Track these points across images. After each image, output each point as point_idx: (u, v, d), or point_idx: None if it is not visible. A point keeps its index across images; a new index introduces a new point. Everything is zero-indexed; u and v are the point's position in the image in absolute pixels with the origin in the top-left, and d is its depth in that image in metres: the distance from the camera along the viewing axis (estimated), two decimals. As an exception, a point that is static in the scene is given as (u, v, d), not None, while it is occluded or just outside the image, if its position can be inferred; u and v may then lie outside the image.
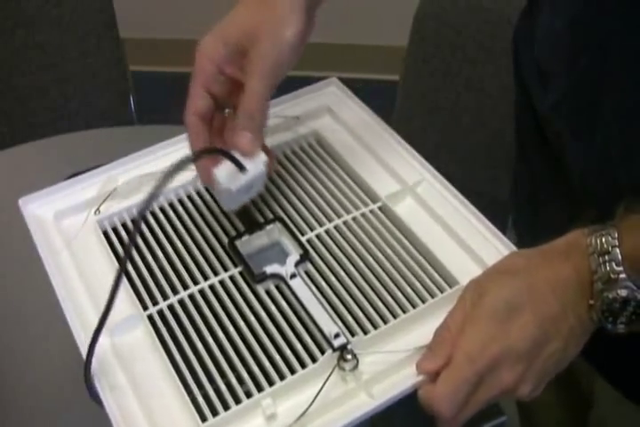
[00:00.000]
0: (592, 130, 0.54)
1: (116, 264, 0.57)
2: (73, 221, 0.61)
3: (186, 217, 0.60)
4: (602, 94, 0.52)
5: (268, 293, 0.55)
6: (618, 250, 0.46)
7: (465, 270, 0.54)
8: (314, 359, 0.50)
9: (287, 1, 0.53)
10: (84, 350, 0.50)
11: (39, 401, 0.75)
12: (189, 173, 0.62)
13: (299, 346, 0.51)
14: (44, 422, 0.74)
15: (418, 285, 0.54)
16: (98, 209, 0.61)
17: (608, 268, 0.46)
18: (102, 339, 0.52)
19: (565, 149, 0.58)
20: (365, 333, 0.52)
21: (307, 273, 0.56)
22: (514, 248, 0.55)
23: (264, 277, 0.55)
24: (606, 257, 0.46)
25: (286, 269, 0.55)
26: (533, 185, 0.68)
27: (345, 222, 0.59)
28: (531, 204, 0.71)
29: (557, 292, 0.47)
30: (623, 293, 0.45)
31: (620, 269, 0.45)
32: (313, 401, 0.48)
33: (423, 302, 0.53)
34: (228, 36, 0.54)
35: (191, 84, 0.54)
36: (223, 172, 0.53)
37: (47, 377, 0.77)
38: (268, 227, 0.58)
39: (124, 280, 0.55)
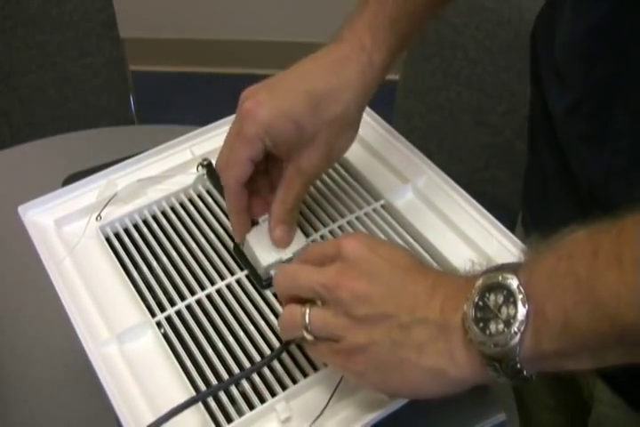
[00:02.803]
0: (603, 137, 0.54)
1: (121, 270, 0.56)
2: (74, 227, 0.60)
3: (189, 221, 0.60)
4: (616, 103, 0.52)
5: (276, 295, 0.54)
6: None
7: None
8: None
9: (355, 107, 0.53)
10: (92, 357, 0.50)
11: (39, 401, 0.75)
12: (190, 177, 0.62)
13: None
14: (44, 422, 0.74)
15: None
16: (99, 215, 0.60)
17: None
18: (111, 347, 0.52)
19: (575, 152, 0.58)
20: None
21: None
22: (518, 242, 0.55)
23: (271, 282, 0.54)
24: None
25: None
26: (543, 182, 0.68)
27: (349, 222, 0.58)
28: (540, 200, 0.71)
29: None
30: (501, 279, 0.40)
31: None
32: (328, 403, 0.47)
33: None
34: (282, 130, 0.52)
35: (236, 150, 0.53)
36: (256, 241, 0.55)
37: (47, 377, 0.77)
38: None
39: (131, 287, 0.55)
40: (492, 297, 0.40)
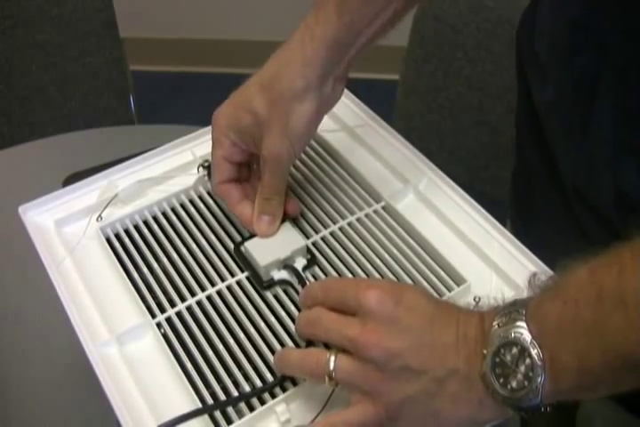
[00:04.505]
0: (584, 131, 0.54)
1: (122, 271, 0.56)
2: (74, 228, 0.60)
3: (189, 222, 0.60)
4: (597, 96, 0.52)
5: (277, 297, 0.54)
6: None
7: (471, 268, 0.55)
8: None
9: (297, 79, 0.52)
10: (92, 359, 0.50)
11: (39, 401, 0.75)
12: (191, 178, 0.62)
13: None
14: (44, 422, 0.74)
15: (425, 284, 0.54)
16: (100, 216, 0.60)
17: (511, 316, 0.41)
18: (111, 348, 0.52)
19: (558, 146, 0.58)
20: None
21: (314, 277, 0.56)
22: (518, 243, 0.55)
23: (272, 284, 0.54)
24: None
25: (294, 275, 0.55)
26: (530, 182, 0.68)
27: (349, 224, 0.58)
28: (527, 200, 0.71)
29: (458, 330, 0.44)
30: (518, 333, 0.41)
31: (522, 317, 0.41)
32: (325, 404, 0.47)
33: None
34: (240, 122, 0.54)
35: (212, 154, 0.57)
36: (254, 241, 0.55)
37: (47, 377, 0.77)
38: None
39: (131, 288, 0.55)
40: (508, 353, 0.41)
